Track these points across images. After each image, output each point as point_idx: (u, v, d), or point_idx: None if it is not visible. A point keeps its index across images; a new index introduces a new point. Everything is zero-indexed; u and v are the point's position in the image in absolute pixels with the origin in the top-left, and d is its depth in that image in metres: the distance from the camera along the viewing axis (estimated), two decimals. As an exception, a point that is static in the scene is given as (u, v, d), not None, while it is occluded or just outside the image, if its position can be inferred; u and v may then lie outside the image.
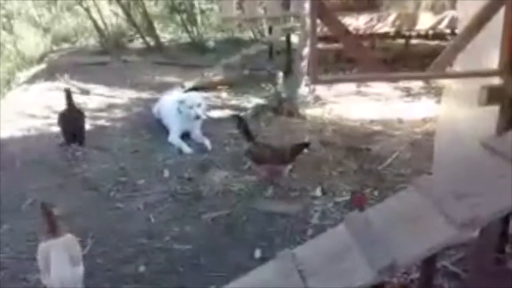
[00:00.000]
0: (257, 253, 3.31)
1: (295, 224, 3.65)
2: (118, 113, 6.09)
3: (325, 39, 5.67)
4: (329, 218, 3.71)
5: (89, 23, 9.94)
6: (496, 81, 2.77)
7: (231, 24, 9.34)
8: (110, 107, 6.28)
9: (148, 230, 3.63)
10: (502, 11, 2.65)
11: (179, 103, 5.08)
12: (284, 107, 5.83)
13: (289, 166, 4.36)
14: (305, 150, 4.53)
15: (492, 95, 2.67)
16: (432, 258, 2.25)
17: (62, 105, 5.10)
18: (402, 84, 6.61)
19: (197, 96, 5.31)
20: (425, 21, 7.66)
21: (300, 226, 3.63)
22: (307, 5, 4.94)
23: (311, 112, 5.91)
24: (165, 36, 10.31)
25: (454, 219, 2.15)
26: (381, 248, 2.15)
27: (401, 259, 2.08)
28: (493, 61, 2.78)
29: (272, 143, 4.71)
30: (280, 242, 3.39)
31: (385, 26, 7.73)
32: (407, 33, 7.80)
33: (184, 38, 9.87)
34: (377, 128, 5.45)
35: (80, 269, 2.80)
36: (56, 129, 5.23)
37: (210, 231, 3.63)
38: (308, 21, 4.28)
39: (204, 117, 5.15)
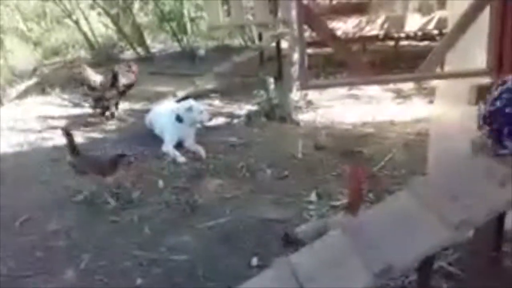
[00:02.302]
0: (254, 261, 3.29)
1: (291, 230, 3.64)
2: (111, 125, 6.07)
3: (315, 43, 5.69)
4: (325, 223, 3.69)
5: (79, 36, 9.94)
6: (486, 80, 2.78)
7: (218, 32, 9.35)
8: (103, 118, 6.25)
9: (144, 242, 3.61)
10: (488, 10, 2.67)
11: (186, 110, 5.11)
12: (276, 112, 5.84)
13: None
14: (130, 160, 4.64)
15: (482, 95, 2.68)
16: (429, 259, 2.25)
17: (54, 120, 5.07)
18: (393, 85, 6.64)
19: (199, 103, 5.40)
20: (414, 22, 7.71)
21: (296, 232, 3.61)
22: (294, 11, 4.95)
23: (303, 117, 5.92)
24: (155, 46, 10.32)
25: (449, 220, 2.15)
26: (377, 252, 2.15)
27: (398, 262, 2.08)
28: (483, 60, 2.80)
29: (96, 154, 4.81)
30: (277, 249, 3.38)
31: (374, 29, 7.77)
32: (396, 35, 7.84)
33: (175, 47, 9.88)
34: (369, 130, 5.46)
35: None
36: (49, 143, 5.20)
37: (206, 240, 3.61)
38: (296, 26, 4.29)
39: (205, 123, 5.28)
